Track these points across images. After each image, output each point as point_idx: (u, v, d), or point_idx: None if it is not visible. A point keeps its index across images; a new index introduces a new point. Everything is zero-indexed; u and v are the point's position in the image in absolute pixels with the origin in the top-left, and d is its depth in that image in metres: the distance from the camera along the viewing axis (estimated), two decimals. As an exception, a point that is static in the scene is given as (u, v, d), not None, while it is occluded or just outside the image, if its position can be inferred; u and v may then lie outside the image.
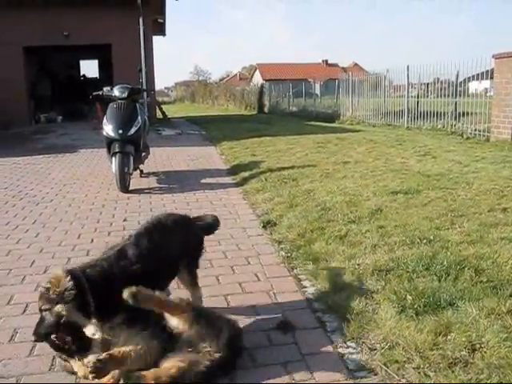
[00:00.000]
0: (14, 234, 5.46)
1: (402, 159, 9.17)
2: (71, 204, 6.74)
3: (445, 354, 2.67)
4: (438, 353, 2.69)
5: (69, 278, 2.62)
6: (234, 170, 8.81)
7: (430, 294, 3.28)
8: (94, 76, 26.86)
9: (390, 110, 18.71)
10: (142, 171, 8.51)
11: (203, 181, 8.11)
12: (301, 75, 43.51)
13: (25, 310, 3.53)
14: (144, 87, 13.66)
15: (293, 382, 2.61)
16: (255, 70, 76.72)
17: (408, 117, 17.21)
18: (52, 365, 2.82)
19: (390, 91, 20.89)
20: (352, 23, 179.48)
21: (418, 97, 17.85)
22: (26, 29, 18.39)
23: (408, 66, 17.34)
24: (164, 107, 25.20)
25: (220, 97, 47.40)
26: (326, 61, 76.90)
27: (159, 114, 21.94)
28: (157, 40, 21.12)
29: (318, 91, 31.48)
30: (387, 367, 2.64)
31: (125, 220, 5.84)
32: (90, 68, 28.08)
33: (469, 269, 3.67)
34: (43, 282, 2.76)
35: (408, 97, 17.51)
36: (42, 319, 2.69)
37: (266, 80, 50.23)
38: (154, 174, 8.81)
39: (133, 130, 7.34)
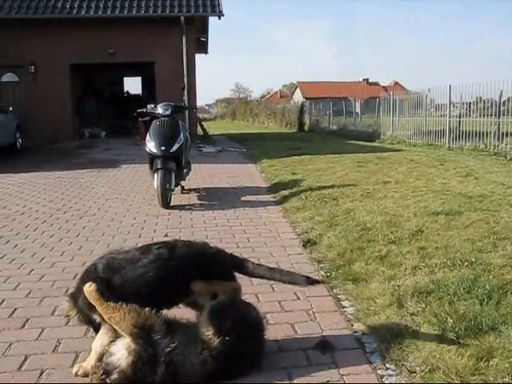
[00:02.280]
0: (58, 246, 5.60)
1: (443, 180, 9.07)
2: (113, 218, 6.87)
3: (487, 380, 2.64)
4: (480, 378, 2.66)
5: None
6: (274, 188, 8.85)
7: (471, 318, 3.24)
8: (137, 93, 27.38)
9: (431, 130, 18.54)
10: (183, 187, 8.62)
11: (243, 198, 8.17)
12: (341, 93, 43.31)
13: (68, 322, 3.60)
14: (187, 105, 13.85)
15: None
16: (296, 87, 77.04)
17: (449, 137, 17.02)
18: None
19: (431, 110, 20.71)
20: (394, 42, 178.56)
21: (459, 116, 17.66)
22: (72, 47, 18.95)
23: (450, 86, 17.19)
24: (205, 124, 25.47)
25: (260, 114, 47.62)
26: (367, 79, 76.84)
27: (200, 131, 22.19)
28: (199, 57, 21.39)
29: (358, 110, 31.39)
30: (428, 391, 2.62)
31: (166, 235, 5.92)
32: (133, 85, 28.64)
33: (512, 293, 3.62)
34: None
35: (450, 116, 17.33)
36: None
37: (307, 98, 50.33)
38: (195, 190, 8.91)
39: (175, 147, 7.45)
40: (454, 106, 18.31)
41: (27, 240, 5.88)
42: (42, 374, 2.92)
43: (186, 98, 17.29)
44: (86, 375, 2.81)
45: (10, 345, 3.27)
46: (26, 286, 4.36)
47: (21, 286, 4.37)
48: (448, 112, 17.51)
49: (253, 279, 4.33)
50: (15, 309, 3.85)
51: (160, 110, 7.82)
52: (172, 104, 7.99)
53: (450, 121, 17.26)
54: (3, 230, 6.38)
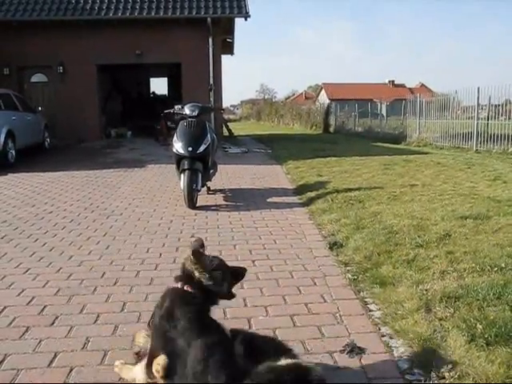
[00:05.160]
0: (86, 245, 5.65)
1: (470, 183, 8.97)
2: (140, 218, 6.93)
3: (517, 388, 2.60)
4: (511, 386, 2.63)
5: None
6: (300, 190, 8.83)
7: (501, 324, 3.19)
8: (163, 93, 27.55)
9: (459, 132, 18.35)
10: (209, 188, 8.66)
11: (269, 199, 8.17)
12: (367, 95, 43.12)
13: (96, 320, 3.65)
14: (213, 106, 13.90)
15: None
16: (321, 89, 76.81)
17: (477, 139, 16.85)
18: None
19: (458, 113, 20.51)
20: (420, 44, 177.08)
21: (487, 119, 17.46)
22: (100, 48, 19.15)
23: (479, 88, 17.00)
24: (230, 125, 25.53)
25: (286, 115, 47.63)
26: (393, 81, 76.33)
27: (225, 132, 22.25)
28: (225, 58, 21.44)
29: (383, 112, 31.21)
30: (456, 397, 2.60)
31: (192, 236, 5.92)
32: (159, 86, 28.84)
33: (543, 300, 3.57)
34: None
35: (477, 119, 17.14)
36: None
37: (332, 99, 50.17)
38: (221, 191, 8.94)
39: (202, 148, 7.47)
40: (481, 109, 18.11)
41: (55, 238, 5.95)
42: (71, 371, 2.95)
43: (212, 99, 17.35)
44: None
45: (40, 341, 3.31)
46: (55, 283, 4.41)
47: (50, 283, 4.42)
48: (476, 114, 17.32)
49: (280, 281, 4.35)
50: (44, 306, 3.90)
51: (187, 110, 7.85)
52: (199, 105, 8.02)
53: (477, 123, 17.08)
54: (32, 228, 6.46)
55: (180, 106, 8.17)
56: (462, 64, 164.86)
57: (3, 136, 12.66)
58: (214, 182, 9.17)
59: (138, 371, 2.67)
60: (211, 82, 18.59)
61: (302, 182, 9.63)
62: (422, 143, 19.89)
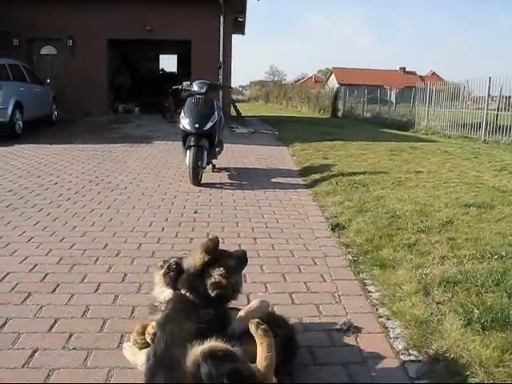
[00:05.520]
0: (90, 216, 5.69)
1: (476, 172, 8.96)
2: (144, 193, 6.95)
3: (510, 373, 2.62)
4: (504, 370, 2.64)
5: None
6: (305, 172, 8.84)
7: (498, 310, 3.21)
8: (173, 71, 27.42)
9: (467, 122, 18.27)
10: (214, 166, 8.66)
11: (274, 180, 8.18)
12: (377, 81, 42.95)
13: (97, 289, 3.69)
14: (222, 83, 13.85)
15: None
16: (331, 73, 76.32)
17: (486, 130, 16.77)
18: (120, 343, 2.94)
19: (468, 103, 20.40)
20: (433, 32, 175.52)
21: (497, 110, 17.37)
22: (111, 22, 19.04)
23: (490, 78, 16.89)
24: (238, 105, 25.45)
25: (294, 98, 47.45)
26: (404, 68, 75.77)
27: (233, 112, 22.19)
28: (235, 38, 21.32)
29: (393, 98, 31.07)
30: (449, 378, 2.62)
31: (195, 212, 5.97)
32: (168, 63, 28.68)
33: (542, 288, 3.58)
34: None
35: (487, 109, 17.05)
36: None
37: (341, 84, 49.89)
38: (226, 169, 8.95)
39: (209, 125, 7.47)
40: (492, 100, 18.01)
41: (60, 209, 5.99)
42: (70, 337, 2.99)
43: (221, 77, 17.27)
44: None
45: (41, 307, 3.35)
46: (58, 252, 4.45)
47: (52, 252, 4.46)
48: (486, 105, 17.23)
49: (281, 260, 4.38)
50: (46, 274, 3.94)
51: (195, 87, 7.84)
52: (208, 82, 8.00)
53: (487, 113, 16.99)
54: (37, 198, 6.50)
55: (188, 83, 8.15)
56: (474, 56, 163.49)
57: (11, 107, 12.65)
58: (220, 161, 9.18)
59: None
60: (221, 59, 18.49)
61: (307, 164, 9.63)
62: (429, 131, 19.81)
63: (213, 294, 2.60)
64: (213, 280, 2.63)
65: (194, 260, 2.73)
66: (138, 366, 2.66)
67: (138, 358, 2.68)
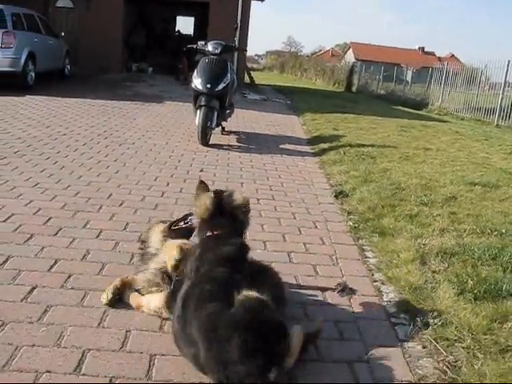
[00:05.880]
0: (96, 168, 5.74)
1: (485, 154, 8.93)
2: (152, 149, 6.98)
3: (498, 341, 2.66)
4: (491, 338, 2.68)
5: None
6: (313, 141, 8.84)
7: (492, 282, 3.25)
8: (189, 33, 27.22)
9: (482, 106, 18.12)
10: (223, 128, 8.66)
11: (282, 146, 8.19)
12: (394, 60, 42.26)
13: (98, 235, 3.74)
14: (237, 46, 13.71)
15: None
16: (349, 48, 75.55)
17: (499, 115, 16.63)
18: (118, 286, 3.00)
19: (485, 88, 20.18)
20: (456, 12, 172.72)
21: (514, 95, 17.23)
22: (129, -21, 18.81)
23: (509, 62, 16.67)
24: (252, 74, 25.27)
25: (309, 70, 47.09)
26: (423, 48, 74.73)
27: (247, 79, 22.04)
28: (254, 4, 21.01)
29: (409, 78, 30.74)
30: (437, 342, 2.66)
31: (201, 171, 6.00)
32: (185, 25, 28.47)
33: (537, 266, 3.61)
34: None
35: (503, 93, 16.90)
36: None
37: (358, 60, 49.38)
38: (235, 133, 8.94)
39: (221, 86, 7.44)
40: (509, 86, 17.82)
41: (67, 159, 6.03)
42: (69, 277, 3.05)
43: (236, 39, 17.06)
44: None
45: (43, 248, 3.41)
46: (62, 199, 4.50)
47: (57, 198, 4.52)
48: (502, 88, 17.06)
49: (282, 221, 4.42)
50: (50, 218, 4.00)
51: (210, 47, 7.80)
52: (222, 43, 7.95)
53: (502, 98, 16.84)
54: (45, 147, 6.54)
55: (203, 42, 8.12)
56: (498, 42, 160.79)
57: (24, 56, 12.58)
58: (230, 124, 9.17)
59: (155, 299, 2.74)
60: (238, 21, 18.25)
61: (316, 133, 9.62)
62: (442, 112, 19.67)
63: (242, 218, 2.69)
64: (239, 201, 2.70)
65: (203, 203, 2.73)
66: (141, 308, 2.73)
67: (150, 300, 2.75)
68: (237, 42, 16.49)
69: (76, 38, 18.67)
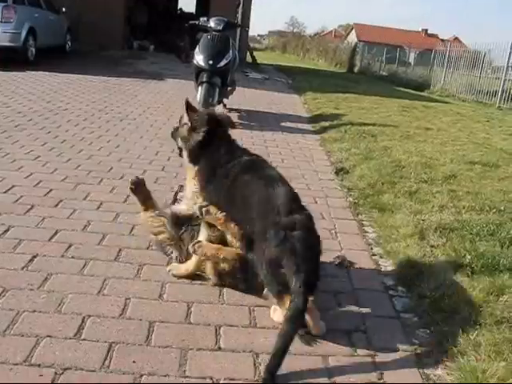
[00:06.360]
0: (97, 142, 5.74)
1: (486, 135, 8.93)
2: (153, 125, 6.98)
3: (493, 313, 2.69)
4: (487, 310, 2.72)
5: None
6: (314, 119, 8.83)
7: (489, 257, 3.28)
8: (191, 12, 27.01)
9: (484, 89, 18.05)
10: (225, 105, 8.62)
11: (283, 124, 8.17)
12: (397, 41, 41.94)
13: (99, 207, 3.77)
14: (239, 23, 13.63)
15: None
16: (351, 29, 75.14)
17: (501, 97, 16.57)
18: (118, 255, 3.03)
19: (488, 71, 20.07)
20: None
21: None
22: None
23: (512, 44, 16.58)
24: (255, 53, 25.13)
25: (311, 51, 46.92)
26: (426, 30, 74.05)
27: (249, 59, 21.92)
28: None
29: (411, 60, 30.61)
30: (434, 314, 2.69)
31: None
32: (187, 2, 28.25)
33: (536, 241, 3.63)
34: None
35: (505, 76, 16.83)
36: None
37: (361, 41, 49.06)
38: (236, 110, 8.90)
39: (223, 63, 7.39)
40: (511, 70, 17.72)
41: (68, 133, 6.03)
42: (70, 246, 3.07)
43: (239, 15, 16.97)
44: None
45: (43, 219, 3.43)
46: (63, 172, 4.52)
47: (58, 171, 4.53)
48: (504, 70, 16.99)
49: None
50: (50, 190, 4.01)
51: (212, 23, 7.74)
52: (225, 20, 7.88)
53: (504, 80, 16.77)
54: (46, 121, 6.53)
55: (205, 19, 8.06)
56: (502, 25, 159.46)
57: (24, 32, 12.48)
58: (231, 101, 9.11)
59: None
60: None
61: (318, 112, 9.60)
62: (444, 93, 19.59)
63: None
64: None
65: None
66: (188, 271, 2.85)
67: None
68: (239, 20, 16.41)
69: (77, 13, 18.44)
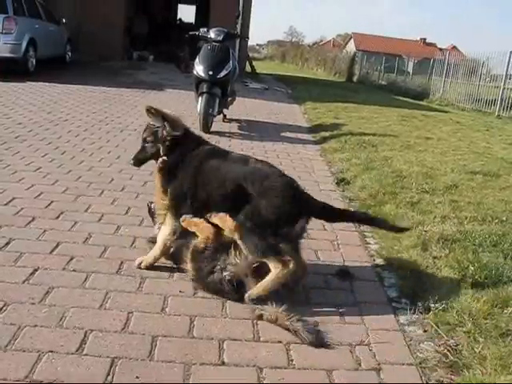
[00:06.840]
0: (97, 153, 5.74)
1: (486, 144, 8.93)
2: (153, 136, 6.95)
3: (498, 325, 2.67)
4: (492, 322, 2.70)
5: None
6: (314, 129, 8.82)
7: (492, 268, 3.27)
8: (190, 22, 27.12)
9: (483, 97, 18.08)
10: (225, 116, 8.63)
11: (283, 134, 8.16)
12: (395, 50, 42.08)
13: (100, 219, 3.75)
14: (239, 33, 13.66)
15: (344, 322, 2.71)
16: (350, 38, 75.26)
17: (501, 105, 16.60)
18: (119, 268, 3.01)
19: (487, 79, 20.12)
20: (458, 7, 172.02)
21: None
22: (131, -35, 18.64)
23: (511, 53, 16.60)
24: (254, 63, 25.18)
25: (310, 60, 47.03)
26: (424, 39, 74.35)
27: (248, 68, 21.96)
28: (256, -7, 20.94)
29: (410, 69, 30.70)
30: (438, 327, 2.67)
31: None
32: (186, 13, 28.39)
33: (538, 253, 3.62)
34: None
35: (505, 84, 16.87)
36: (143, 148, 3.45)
37: (360, 50, 49.20)
38: (237, 120, 8.90)
39: (223, 74, 7.40)
40: (510, 78, 17.76)
41: (68, 144, 6.02)
42: (71, 259, 3.06)
43: (238, 26, 16.98)
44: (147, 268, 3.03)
45: (44, 231, 3.41)
46: (64, 183, 4.51)
47: (58, 182, 4.52)
48: (503, 79, 17.03)
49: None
50: (51, 201, 4.00)
51: (212, 34, 7.76)
52: (225, 30, 7.90)
53: (504, 89, 16.80)
54: (46, 132, 6.53)
55: (205, 29, 8.07)
56: (500, 34, 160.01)
57: (25, 43, 12.47)
58: (231, 112, 9.12)
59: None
60: (240, 9, 18.09)
61: (318, 122, 9.60)
62: (444, 102, 19.63)
63: None
64: None
65: None
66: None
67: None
68: (238, 30, 16.44)
69: (77, 24, 18.48)
